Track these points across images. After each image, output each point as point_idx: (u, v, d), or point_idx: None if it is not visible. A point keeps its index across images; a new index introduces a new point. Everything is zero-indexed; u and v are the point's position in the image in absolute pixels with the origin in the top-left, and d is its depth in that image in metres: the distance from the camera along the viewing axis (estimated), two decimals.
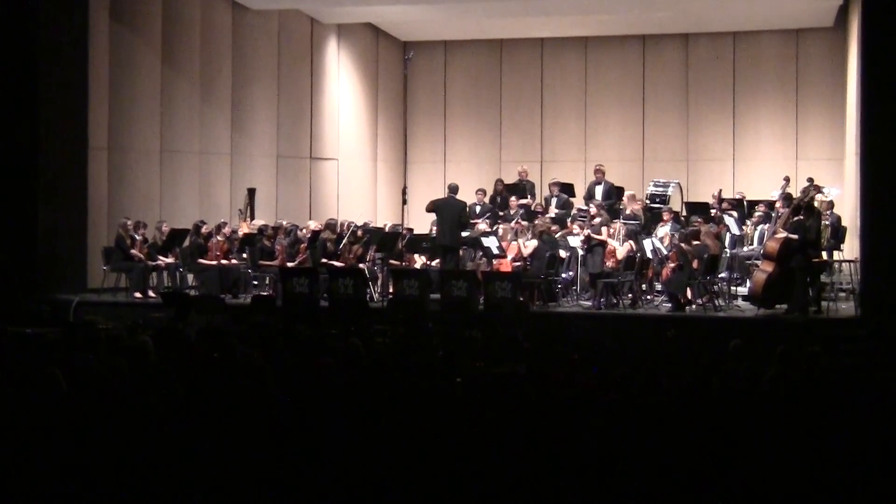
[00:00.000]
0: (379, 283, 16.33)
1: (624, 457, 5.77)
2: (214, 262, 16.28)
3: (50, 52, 16.03)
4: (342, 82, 21.22)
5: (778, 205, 15.91)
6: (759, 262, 14.72)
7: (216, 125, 18.88)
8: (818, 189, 15.05)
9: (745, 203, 17.47)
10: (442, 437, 5.94)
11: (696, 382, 7.32)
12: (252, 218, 17.99)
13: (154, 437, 5.93)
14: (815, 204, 14.43)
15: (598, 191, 17.61)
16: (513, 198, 17.73)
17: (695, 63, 21.29)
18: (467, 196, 17.55)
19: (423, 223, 17.96)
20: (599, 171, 17.84)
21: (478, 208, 17.85)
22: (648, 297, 15.54)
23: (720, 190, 18.18)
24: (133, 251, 16.08)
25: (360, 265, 16.23)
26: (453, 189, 16.40)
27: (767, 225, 15.92)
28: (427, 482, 5.68)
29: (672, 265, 14.79)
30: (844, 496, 5.70)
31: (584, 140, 21.75)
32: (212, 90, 18.79)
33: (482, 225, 16.87)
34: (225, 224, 17.06)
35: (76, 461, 5.74)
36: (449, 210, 16.03)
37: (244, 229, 17.30)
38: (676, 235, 15.16)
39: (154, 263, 16.32)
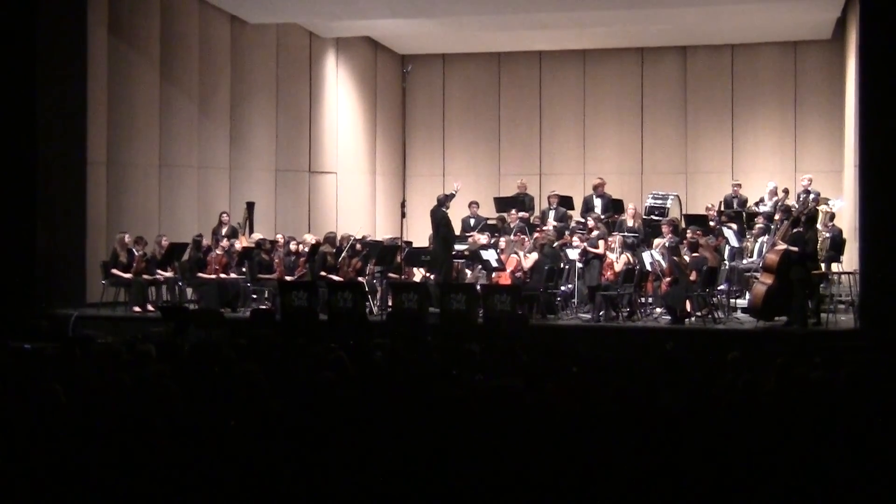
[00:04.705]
0: (378, 296, 16.33)
1: (622, 470, 5.76)
2: (213, 276, 16.30)
3: (48, 66, 16.06)
4: (341, 96, 21.24)
5: (777, 217, 15.91)
6: (758, 275, 14.69)
7: (215, 139, 18.89)
8: (818, 202, 15.02)
9: (744, 215, 17.46)
10: (440, 449, 5.93)
11: (695, 395, 7.31)
12: (251, 232, 17.98)
13: (154, 451, 5.92)
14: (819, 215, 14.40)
15: (598, 204, 17.62)
16: (512, 211, 17.74)
17: (693, 76, 21.31)
18: (462, 210, 17.61)
19: (421, 236, 17.96)
20: (600, 185, 17.88)
21: (472, 221, 17.85)
22: (653, 307, 15.47)
23: (721, 202, 18.17)
24: (114, 270, 16.08)
25: (360, 279, 16.23)
26: (438, 200, 16.47)
27: (767, 237, 15.91)
28: (424, 495, 5.67)
29: (667, 279, 14.75)
30: None
31: (582, 153, 21.74)
32: (210, 104, 18.81)
33: (482, 238, 16.86)
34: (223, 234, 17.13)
35: (76, 476, 5.73)
36: (433, 221, 16.21)
37: (243, 243, 17.30)
38: (669, 248, 15.10)
39: (153, 277, 16.32)
